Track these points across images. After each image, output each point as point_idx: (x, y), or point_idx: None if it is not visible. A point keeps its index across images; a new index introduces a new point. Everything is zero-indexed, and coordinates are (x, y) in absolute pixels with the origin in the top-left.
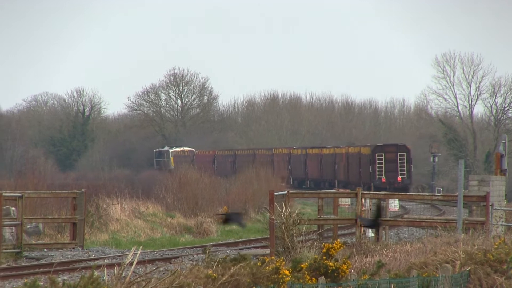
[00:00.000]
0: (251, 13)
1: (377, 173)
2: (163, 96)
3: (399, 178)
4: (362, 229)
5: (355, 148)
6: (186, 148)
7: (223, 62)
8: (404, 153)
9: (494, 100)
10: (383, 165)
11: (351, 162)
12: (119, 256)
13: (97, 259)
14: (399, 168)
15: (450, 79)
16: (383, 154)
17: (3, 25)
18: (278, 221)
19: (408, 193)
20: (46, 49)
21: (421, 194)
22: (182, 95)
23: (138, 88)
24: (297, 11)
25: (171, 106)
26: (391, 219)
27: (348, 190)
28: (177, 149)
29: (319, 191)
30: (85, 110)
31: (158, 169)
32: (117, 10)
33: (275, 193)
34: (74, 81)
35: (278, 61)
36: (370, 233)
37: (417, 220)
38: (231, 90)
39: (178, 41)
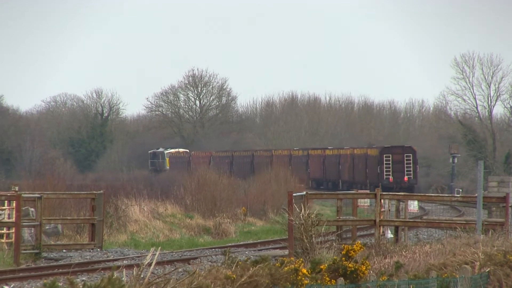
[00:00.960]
0: (269, 13)
1: (384, 173)
2: (181, 97)
3: (406, 178)
4: (381, 230)
5: (372, 150)
6: (181, 150)
7: (242, 63)
8: (411, 155)
9: None
10: (391, 165)
11: (362, 163)
12: (138, 257)
13: (116, 260)
14: (405, 169)
15: (469, 80)
16: (390, 155)
17: (21, 27)
18: (297, 222)
19: (427, 194)
20: (65, 50)
21: (441, 195)
22: (201, 96)
23: (156, 89)
24: (315, 11)
25: (189, 107)
26: (410, 220)
27: (367, 191)
28: (172, 150)
29: (338, 192)
30: (104, 111)
31: (153, 170)
32: (137, 10)
33: (294, 194)
34: (92, 82)
35: (297, 62)
36: (389, 234)
37: (436, 221)
38: (250, 91)
39: (197, 41)
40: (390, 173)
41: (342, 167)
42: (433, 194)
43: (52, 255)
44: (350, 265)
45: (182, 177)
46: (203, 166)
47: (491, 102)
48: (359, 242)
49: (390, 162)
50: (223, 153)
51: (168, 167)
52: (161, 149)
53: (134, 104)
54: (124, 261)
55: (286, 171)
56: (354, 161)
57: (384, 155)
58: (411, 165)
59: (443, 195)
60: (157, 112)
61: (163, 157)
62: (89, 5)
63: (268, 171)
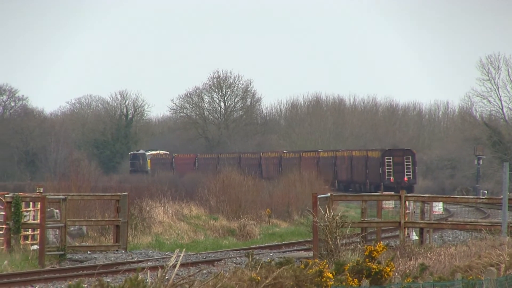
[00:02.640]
0: (293, 15)
1: (386, 174)
2: (206, 99)
3: (406, 178)
4: (406, 231)
5: (374, 152)
6: (162, 151)
7: (266, 65)
8: (410, 157)
9: None
10: (392, 167)
11: (361, 164)
12: (162, 258)
13: (140, 261)
14: (405, 170)
15: (494, 82)
16: (391, 157)
17: (45, 29)
18: (322, 224)
19: (452, 196)
20: (89, 52)
21: (466, 197)
22: (225, 98)
23: (181, 91)
24: (340, 13)
25: (214, 109)
26: (435, 222)
27: (392, 193)
28: (153, 152)
29: (363, 193)
30: (129, 113)
31: (133, 171)
32: (163, 10)
33: (319, 196)
34: (117, 83)
35: (321, 63)
36: (414, 236)
37: (462, 223)
38: (275, 92)
39: (222, 43)
40: (391, 173)
41: (370, 169)
42: (458, 196)
43: (76, 257)
44: (374, 266)
45: (207, 178)
46: (187, 168)
47: None
48: (381, 243)
49: (391, 163)
50: (208, 155)
51: (149, 168)
52: (141, 151)
53: (159, 106)
54: (148, 263)
55: (312, 172)
56: (368, 163)
57: (386, 157)
58: (411, 166)
59: (468, 197)
60: (181, 114)
61: (144, 159)
62: (116, 6)
63: (294, 172)
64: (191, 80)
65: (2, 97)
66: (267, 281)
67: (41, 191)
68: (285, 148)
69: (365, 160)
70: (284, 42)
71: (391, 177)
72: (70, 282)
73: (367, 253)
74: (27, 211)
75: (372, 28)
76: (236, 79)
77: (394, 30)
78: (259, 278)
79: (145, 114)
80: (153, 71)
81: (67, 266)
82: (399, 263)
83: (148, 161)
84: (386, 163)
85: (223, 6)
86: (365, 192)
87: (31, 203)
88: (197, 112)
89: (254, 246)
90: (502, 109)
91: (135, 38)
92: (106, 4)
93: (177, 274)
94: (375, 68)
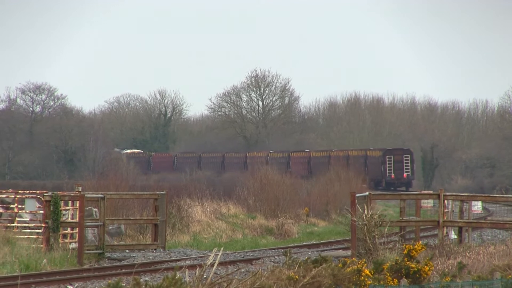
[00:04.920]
0: (330, 14)
1: (387, 171)
2: (244, 98)
3: (405, 175)
4: (445, 230)
5: (374, 152)
6: (136, 150)
7: (304, 63)
8: (409, 155)
9: None
10: (392, 165)
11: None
12: (201, 257)
13: (178, 260)
14: (404, 167)
15: None
16: (392, 156)
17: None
18: (360, 223)
19: (491, 195)
20: (129, 51)
21: (505, 195)
22: (263, 97)
23: (219, 90)
24: (378, 11)
25: (252, 108)
26: (474, 221)
27: (431, 192)
28: (129, 150)
29: (401, 192)
30: (167, 112)
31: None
32: (201, 9)
33: (357, 195)
34: (156, 82)
35: (359, 61)
36: (453, 235)
37: (501, 222)
38: (312, 91)
39: (260, 41)
40: (392, 171)
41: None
42: (497, 195)
43: (115, 255)
44: (413, 265)
45: (244, 177)
46: (165, 166)
47: None
48: (420, 242)
49: (392, 162)
50: (189, 154)
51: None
52: (116, 150)
53: (197, 105)
54: (186, 261)
55: (345, 171)
56: (367, 161)
57: (387, 156)
58: (409, 164)
59: (507, 195)
60: (219, 113)
61: (121, 158)
62: (157, 5)
63: (327, 172)
64: (229, 79)
65: (41, 96)
66: (305, 280)
67: (80, 190)
68: (321, 147)
69: (364, 159)
70: (322, 41)
71: (392, 174)
72: (108, 281)
73: (405, 252)
74: (66, 210)
75: (410, 26)
76: (274, 78)
77: (433, 29)
78: (297, 276)
79: (184, 113)
80: (192, 69)
81: (105, 265)
82: (438, 262)
83: (124, 160)
84: (387, 162)
85: (262, 5)
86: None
87: (70, 201)
88: (235, 111)
89: (292, 245)
90: None
91: (175, 37)
92: (145, 4)
93: (215, 273)
94: (413, 66)
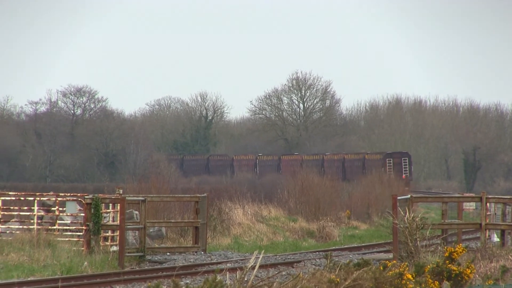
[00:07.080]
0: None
1: (387, 172)
2: (285, 100)
3: (404, 176)
4: (487, 233)
5: (375, 155)
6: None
7: (345, 65)
8: (407, 158)
9: None
10: (392, 166)
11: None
12: (242, 260)
13: (219, 263)
14: (403, 169)
15: None
16: (391, 159)
17: (128, 32)
18: (401, 226)
19: None
20: (169, 54)
21: None
22: (305, 99)
23: (260, 92)
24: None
25: (293, 110)
26: None
27: (473, 194)
28: None
29: (443, 195)
30: (208, 114)
31: None
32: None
33: (398, 198)
34: (197, 85)
35: (402, 63)
36: (495, 237)
37: None
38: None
39: (301, 43)
40: (392, 172)
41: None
42: None
43: (156, 258)
44: (454, 268)
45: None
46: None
47: None
48: (461, 244)
49: (392, 164)
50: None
51: None
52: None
53: (238, 107)
54: (227, 264)
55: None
56: (365, 164)
57: (387, 159)
58: (407, 166)
59: None
60: (260, 115)
61: None
62: (197, 7)
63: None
64: (270, 81)
65: (82, 99)
66: (346, 283)
67: (121, 192)
68: (367, 150)
69: (362, 162)
70: (364, 43)
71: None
72: (149, 284)
73: (447, 254)
74: (106, 213)
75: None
76: (315, 80)
77: (472, 31)
78: (338, 280)
79: (225, 116)
80: (233, 72)
81: (146, 268)
82: (480, 265)
83: None
84: (387, 164)
85: (303, 6)
86: None
87: (110, 204)
88: (276, 114)
89: (333, 248)
90: None
91: (215, 40)
92: (187, 6)
93: (256, 276)
94: (456, 69)
